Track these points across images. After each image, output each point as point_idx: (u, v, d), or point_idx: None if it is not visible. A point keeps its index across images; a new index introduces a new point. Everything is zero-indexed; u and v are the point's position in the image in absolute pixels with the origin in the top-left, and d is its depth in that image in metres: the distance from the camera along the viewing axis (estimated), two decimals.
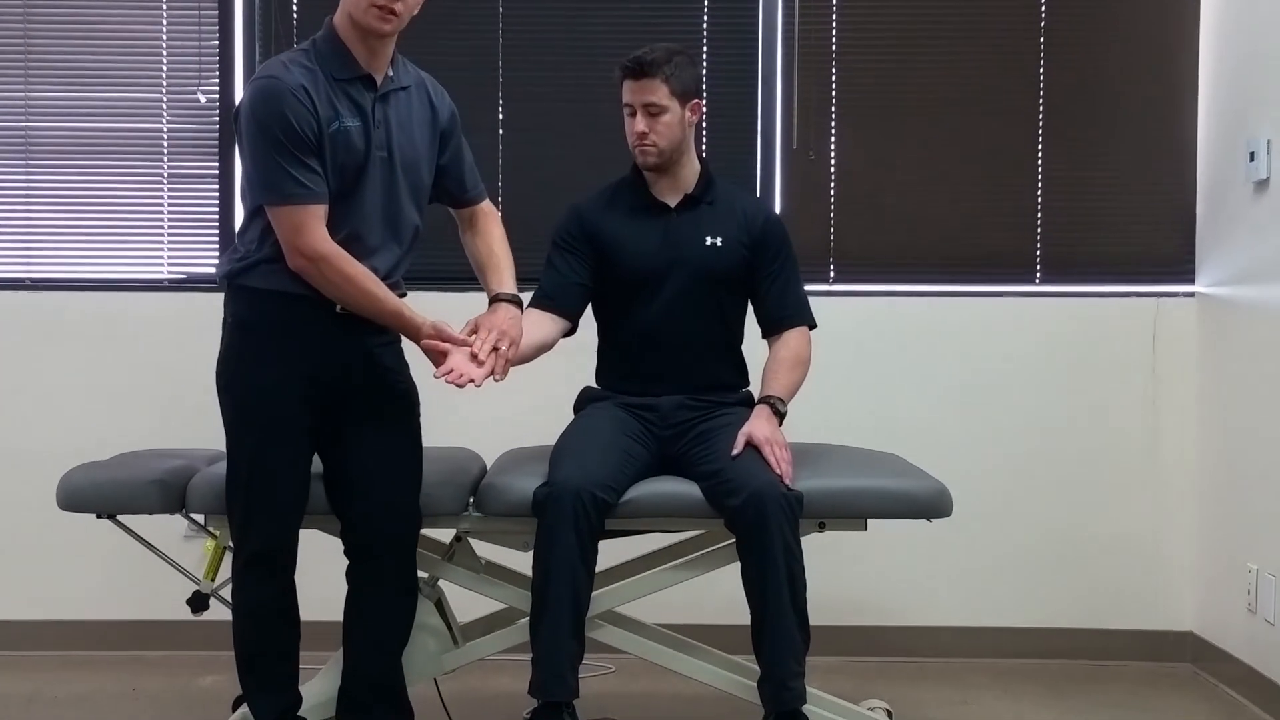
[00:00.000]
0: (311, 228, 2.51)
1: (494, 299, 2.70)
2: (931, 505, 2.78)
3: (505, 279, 2.72)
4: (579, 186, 3.15)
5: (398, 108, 2.63)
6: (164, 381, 3.86)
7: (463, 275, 2.95)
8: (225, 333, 2.65)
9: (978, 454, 3.88)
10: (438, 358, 2.57)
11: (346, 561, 2.71)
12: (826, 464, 2.89)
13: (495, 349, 2.59)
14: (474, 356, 2.55)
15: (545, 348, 2.85)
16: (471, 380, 2.52)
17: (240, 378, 2.60)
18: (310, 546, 2.70)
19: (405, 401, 2.73)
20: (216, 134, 3.96)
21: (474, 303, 2.79)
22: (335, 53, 2.56)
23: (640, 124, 2.86)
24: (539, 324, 2.84)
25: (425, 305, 2.69)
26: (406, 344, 2.71)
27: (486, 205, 2.84)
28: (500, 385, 2.64)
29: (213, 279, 2.73)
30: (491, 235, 2.79)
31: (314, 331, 2.59)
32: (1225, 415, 3.71)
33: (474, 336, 2.59)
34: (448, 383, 2.51)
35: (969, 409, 3.90)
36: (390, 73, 2.62)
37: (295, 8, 3.92)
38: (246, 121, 2.52)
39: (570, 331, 2.94)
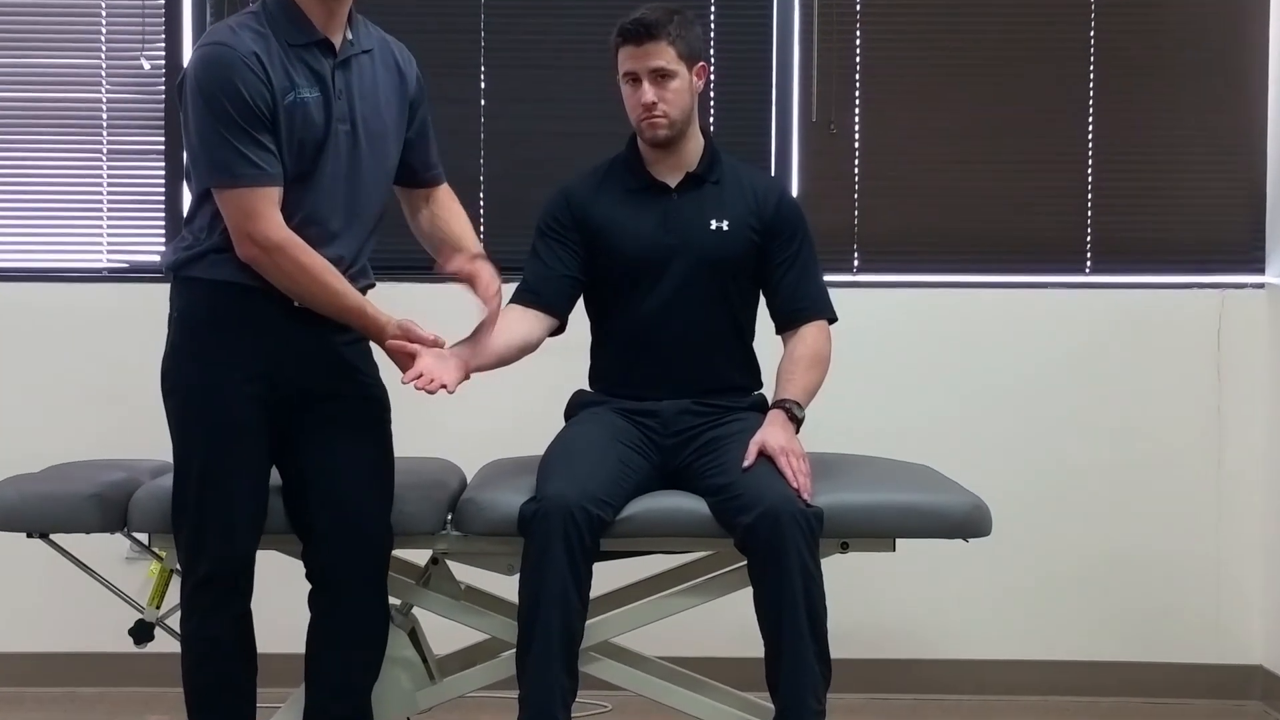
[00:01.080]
0: (264, 212, 2.51)
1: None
2: (967, 523, 2.77)
3: (474, 248, 2.75)
4: (572, 165, 3.15)
5: (360, 75, 2.63)
6: (103, 384, 3.86)
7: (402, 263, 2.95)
8: (171, 329, 2.65)
9: (1019, 465, 3.88)
10: (404, 360, 2.57)
11: (308, 586, 2.71)
12: (849, 476, 2.89)
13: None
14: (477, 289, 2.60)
15: (529, 348, 2.85)
16: (444, 385, 2.52)
17: (188, 380, 2.60)
18: (267, 569, 2.70)
19: (374, 406, 2.73)
20: (162, 105, 3.96)
21: (448, 296, 2.79)
22: (289, 15, 2.56)
23: (648, 93, 2.85)
24: (521, 321, 2.84)
25: (393, 297, 2.68)
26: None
27: (446, 186, 2.85)
28: (483, 388, 2.64)
29: (158, 268, 2.73)
30: (456, 212, 2.81)
31: (271, 327, 2.59)
32: None
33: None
34: (417, 389, 2.51)
35: (1009, 415, 3.90)
36: (349, 35, 2.62)
37: None
38: (192, 94, 2.52)
39: (559, 329, 2.94)
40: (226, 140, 2.48)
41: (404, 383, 2.53)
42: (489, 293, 2.66)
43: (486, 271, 2.66)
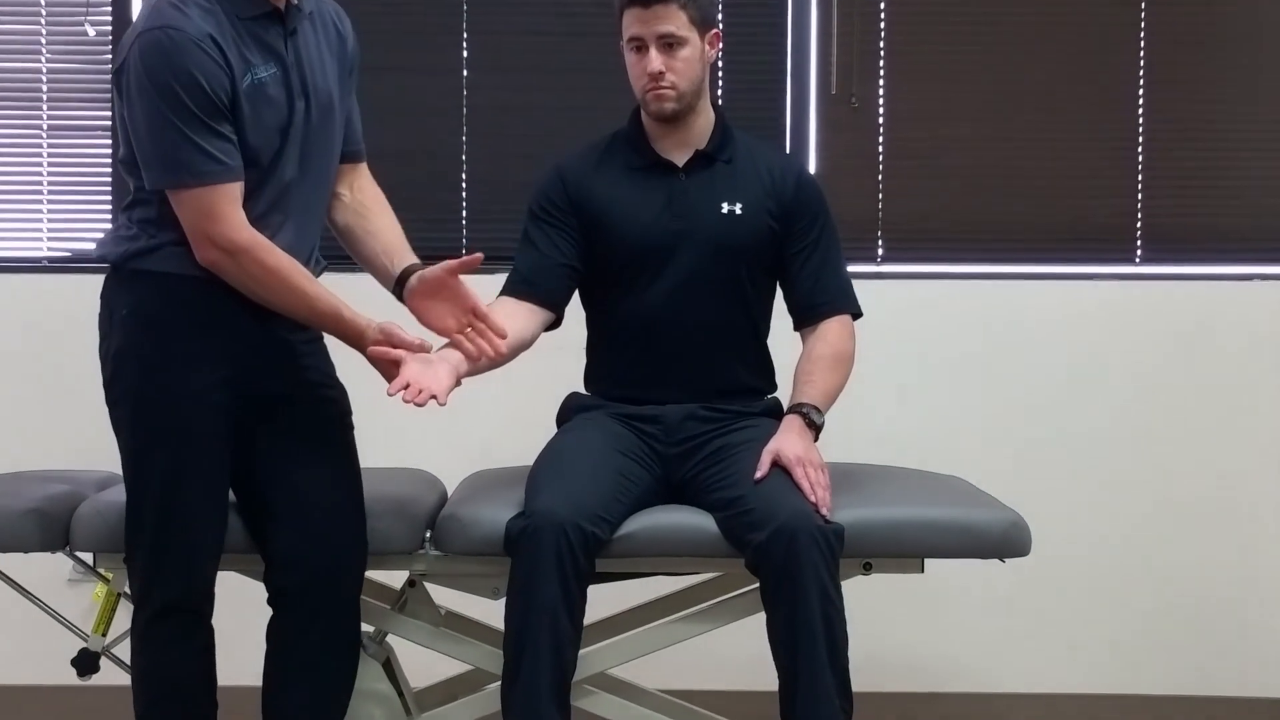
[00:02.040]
0: (226, 212, 2.51)
1: (405, 273, 2.67)
2: (1004, 542, 2.77)
3: (405, 252, 2.72)
4: (567, 142, 3.15)
5: (306, 42, 2.62)
6: (43, 387, 3.85)
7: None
8: (115, 330, 2.63)
9: (1062, 477, 3.87)
10: (387, 368, 2.56)
11: (269, 611, 2.70)
12: (873, 489, 2.89)
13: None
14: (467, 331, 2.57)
15: (523, 345, 2.84)
16: (434, 396, 2.52)
17: (141, 387, 2.59)
18: (222, 592, 2.69)
19: (335, 411, 2.74)
20: (109, 75, 3.93)
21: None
22: None
23: (655, 61, 2.84)
24: (514, 316, 2.84)
25: (341, 288, 2.66)
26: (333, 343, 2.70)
27: (365, 168, 2.83)
28: (465, 391, 2.63)
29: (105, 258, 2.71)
30: (379, 205, 2.78)
31: (235, 326, 2.59)
32: None
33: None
34: (405, 401, 2.50)
35: (1050, 421, 3.90)
36: None
37: None
38: (139, 85, 2.49)
39: (554, 324, 2.94)
40: (184, 136, 2.47)
41: (390, 394, 2.51)
42: (485, 315, 2.63)
43: (416, 361, 2.56)
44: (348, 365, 2.72)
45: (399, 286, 2.68)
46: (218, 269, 2.53)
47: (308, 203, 2.64)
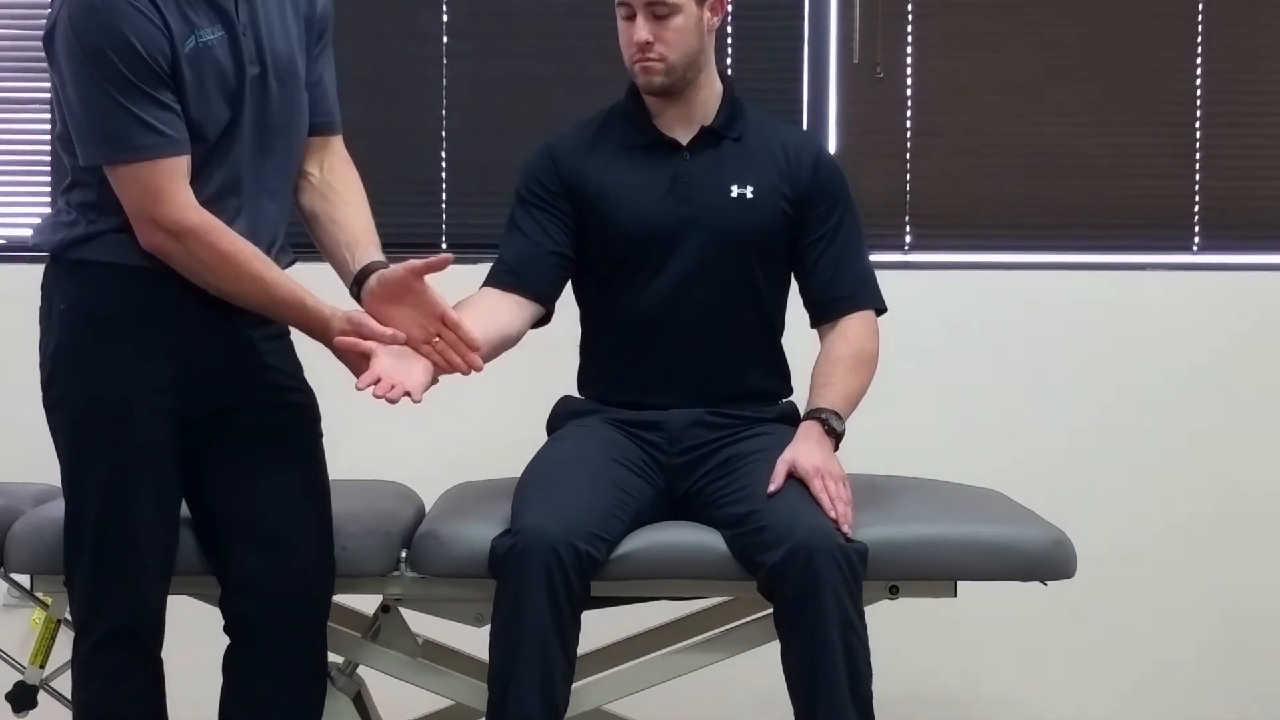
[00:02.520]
0: (172, 190, 2.50)
1: (367, 270, 2.62)
2: (1047, 562, 2.77)
3: (373, 247, 2.67)
4: (558, 118, 3.14)
5: (265, 2, 2.61)
6: None
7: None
8: (51, 327, 2.63)
9: (1110, 490, 3.88)
10: (356, 361, 2.55)
11: (225, 640, 2.70)
12: (900, 504, 2.89)
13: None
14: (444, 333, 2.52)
15: (509, 342, 2.84)
16: (408, 393, 2.51)
17: (82, 391, 2.59)
18: (173, 619, 2.68)
19: (302, 416, 2.73)
20: None
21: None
22: None
23: (642, 30, 2.85)
24: (499, 309, 2.84)
25: (310, 281, 2.65)
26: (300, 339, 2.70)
27: (341, 143, 2.80)
28: (444, 394, 2.63)
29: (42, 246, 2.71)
30: (352, 190, 2.75)
31: (186, 323, 2.58)
32: None
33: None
34: (376, 396, 2.50)
35: (1098, 426, 3.90)
36: None
37: None
38: (69, 51, 2.48)
39: (543, 319, 2.94)
40: (119, 106, 2.46)
41: (359, 388, 2.51)
42: (456, 325, 2.58)
43: (389, 353, 2.53)
44: (314, 365, 2.71)
45: (357, 286, 2.64)
46: (164, 254, 2.53)
47: (267, 185, 2.63)
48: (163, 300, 2.57)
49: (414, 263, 2.57)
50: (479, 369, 2.63)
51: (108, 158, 2.50)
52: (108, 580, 2.58)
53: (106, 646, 2.60)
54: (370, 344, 2.54)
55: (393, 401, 2.49)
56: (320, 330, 2.58)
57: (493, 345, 2.76)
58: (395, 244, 2.80)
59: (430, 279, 2.58)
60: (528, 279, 2.90)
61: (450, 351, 2.60)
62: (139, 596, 2.59)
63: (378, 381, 2.49)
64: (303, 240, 2.79)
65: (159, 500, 2.59)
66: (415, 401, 2.51)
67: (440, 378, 2.63)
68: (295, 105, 2.66)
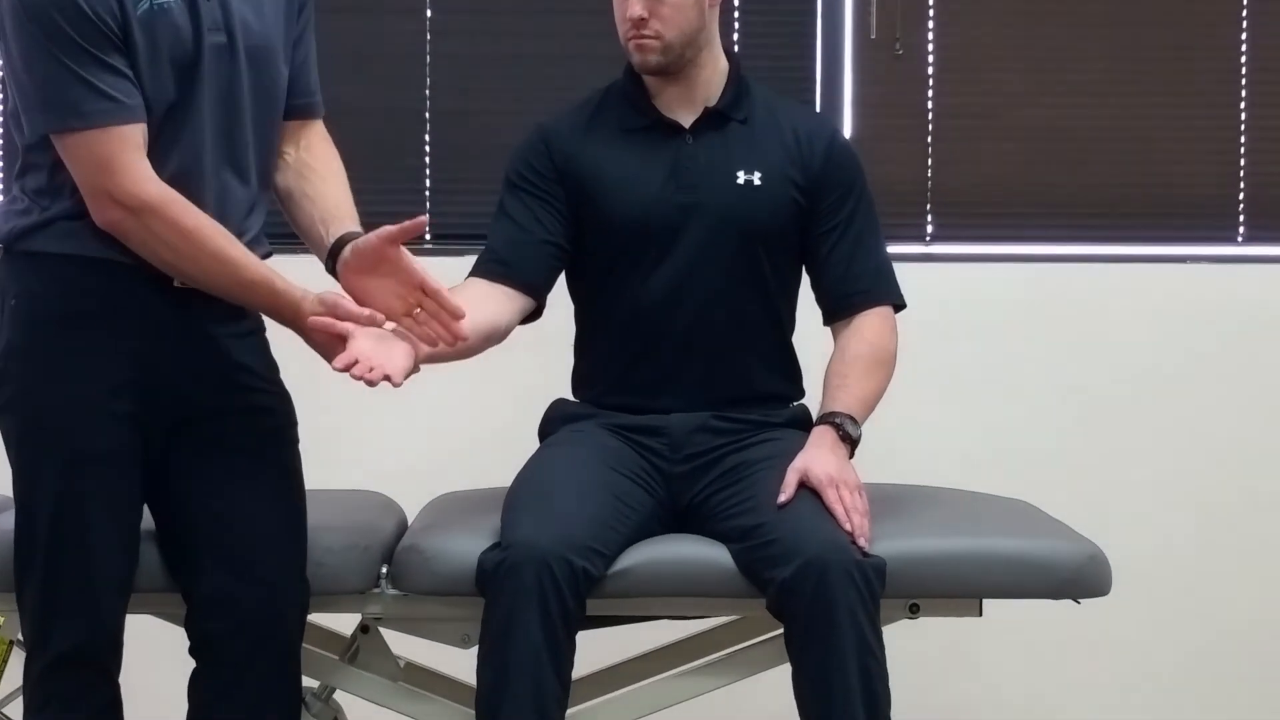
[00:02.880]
0: (127, 161, 2.50)
1: (341, 242, 2.63)
2: (1080, 579, 2.77)
3: (352, 220, 2.68)
4: (551, 99, 3.15)
5: None
6: None
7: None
8: (2, 324, 2.62)
9: (1149, 500, 3.88)
10: (332, 344, 2.55)
11: (190, 663, 2.70)
12: (920, 515, 2.89)
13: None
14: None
15: (496, 336, 2.84)
16: (388, 377, 2.51)
17: (33, 393, 2.59)
18: (134, 639, 2.68)
19: (275, 421, 2.73)
20: None
21: None
22: None
23: (635, 5, 2.86)
24: (487, 301, 2.84)
25: (298, 277, 2.66)
26: (277, 333, 2.70)
27: (322, 126, 2.82)
28: (426, 395, 2.63)
29: None
30: (334, 171, 2.76)
31: (147, 319, 2.58)
32: None
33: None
34: (354, 378, 2.49)
35: (1134, 432, 3.91)
36: None
37: None
38: (13, 15, 2.49)
39: (534, 314, 2.94)
40: (67, 70, 2.47)
41: (336, 368, 2.50)
42: (437, 292, 2.59)
43: (366, 335, 2.54)
44: (286, 365, 2.71)
45: (332, 261, 2.64)
46: (121, 232, 2.52)
47: (235, 165, 2.63)
48: (122, 294, 2.57)
49: (388, 229, 2.57)
50: (464, 339, 2.62)
51: (56, 126, 2.50)
52: (60, 597, 2.58)
53: (60, 668, 2.59)
54: (347, 325, 2.54)
55: (372, 384, 2.48)
56: (291, 313, 2.58)
57: (481, 337, 2.76)
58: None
59: None
60: (517, 269, 2.90)
61: (432, 322, 2.60)
62: (94, 615, 2.59)
63: (355, 363, 2.48)
64: (284, 233, 2.79)
65: (116, 511, 2.59)
66: (395, 385, 2.50)
67: (422, 366, 2.62)
68: (270, 83, 2.66)
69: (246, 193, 2.66)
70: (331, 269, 2.66)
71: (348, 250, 2.62)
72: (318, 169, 2.76)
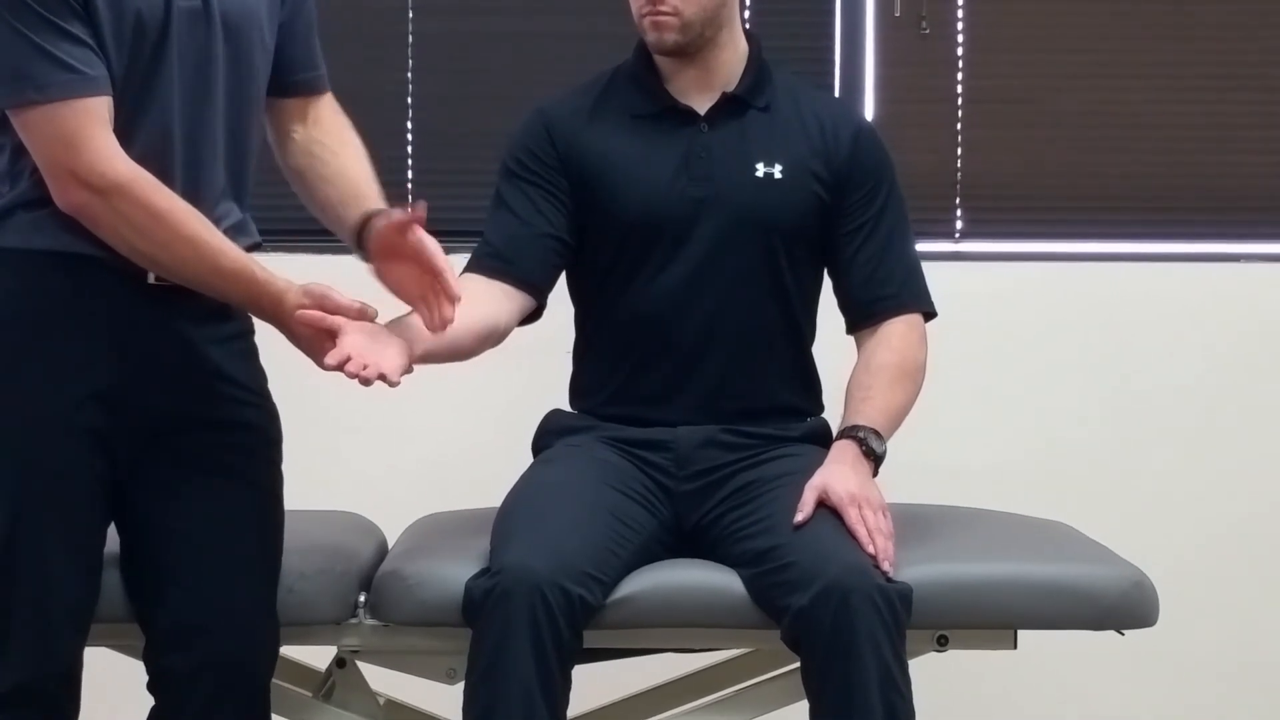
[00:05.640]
0: (92, 136, 2.49)
1: (364, 220, 2.65)
2: (1123, 607, 2.77)
3: (376, 197, 2.70)
4: (548, 82, 3.15)
5: None
6: None
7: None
8: None
9: (1200, 522, 3.89)
10: (320, 339, 2.55)
11: (149, 700, 2.70)
12: (949, 538, 2.90)
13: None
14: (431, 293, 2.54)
15: (494, 337, 2.85)
16: (383, 376, 2.51)
17: None
18: (91, 674, 2.68)
19: (257, 438, 2.73)
20: None
21: (361, 268, 2.77)
22: None
23: None
24: (483, 299, 2.84)
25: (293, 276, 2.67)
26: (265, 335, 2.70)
27: (331, 100, 2.83)
28: (409, 406, 2.63)
29: None
30: (349, 143, 2.77)
31: (115, 321, 2.58)
32: None
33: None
34: (349, 376, 2.49)
35: (1184, 449, 3.91)
36: None
37: None
38: None
39: (534, 314, 2.95)
40: (23, 38, 2.46)
41: (328, 365, 2.50)
42: (440, 272, 2.61)
43: (358, 330, 2.56)
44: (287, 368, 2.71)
45: (359, 246, 2.66)
46: (87, 216, 2.52)
47: (211, 143, 2.63)
48: (90, 291, 2.57)
49: (395, 218, 2.59)
50: (449, 319, 2.61)
51: (12, 99, 2.50)
52: (11, 629, 2.57)
53: (10, 706, 2.58)
54: (338, 319, 2.54)
55: (366, 383, 2.48)
56: (274, 307, 2.58)
57: (477, 337, 2.77)
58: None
59: None
60: (517, 264, 2.91)
61: (433, 303, 2.62)
62: (48, 648, 2.59)
63: (348, 360, 2.48)
64: (283, 230, 2.79)
65: (75, 536, 2.59)
66: (392, 384, 2.51)
67: (415, 367, 2.61)
68: (245, 52, 2.66)
69: (223, 174, 2.66)
70: (361, 255, 2.68)
71: (371, 233, 2.64)
72: (328, 144, 2.77)
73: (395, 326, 2.64)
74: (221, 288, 2.59)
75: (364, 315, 2.56)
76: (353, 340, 2.51)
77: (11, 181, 2.58)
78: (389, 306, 2.66)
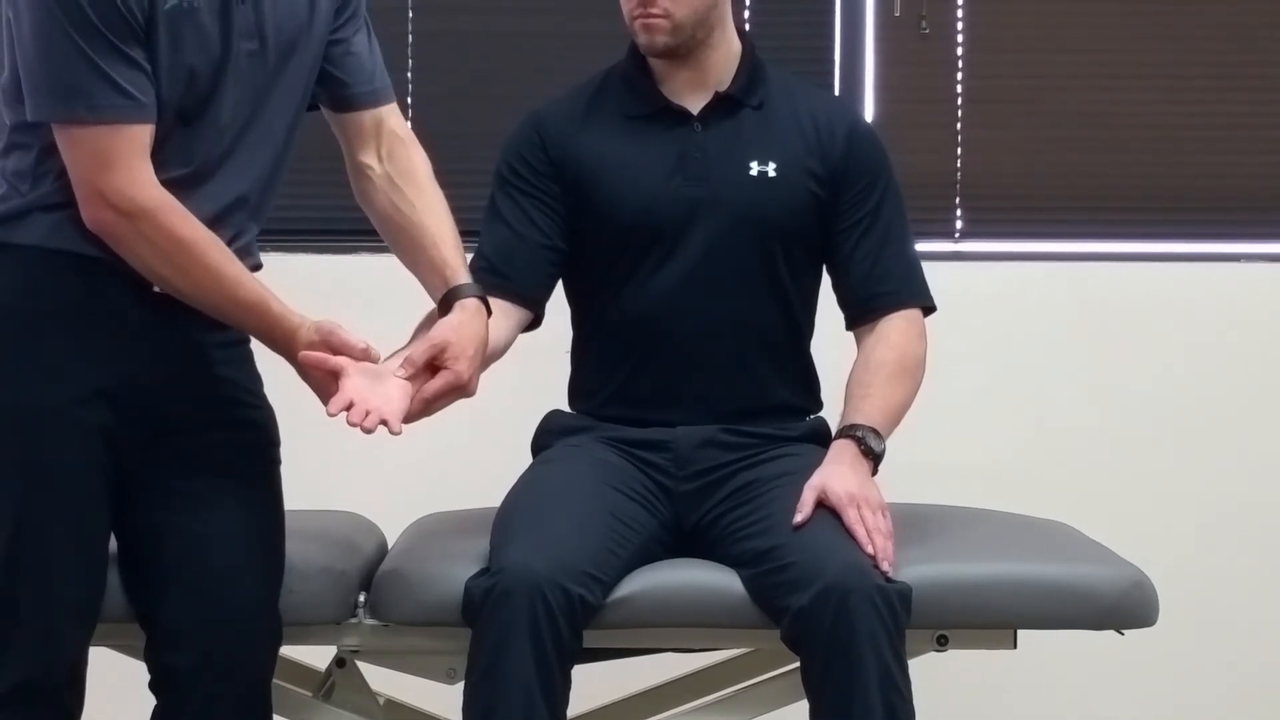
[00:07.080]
0: (129, 163, 2.50)
1: (449, 296, 2.69)
2: (1123, 607, 2.78)
3: (458, 258, 2.73)
4: (545, 84, 3.15)
5: None
6: None
7: (344, 227, 2.93)
8: None
9: (1201, 522, 3.89)
10: (324, 381, 2.57)
11: (151, 700, 2.70)
12: (949, 538, 2.90)
13: (435, 367, 2.60)
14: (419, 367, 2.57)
15: (496, 353, 2.85)
16: (384, 422, 2.53)
17: None
18: (92, 674, 2.68)
19: (256, 437, 2.74)
20: None
21: (363, 270, 2.78)
22: None
23: None
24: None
25: (284, 274, 2.67)
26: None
27: (397, 116, 2.84)
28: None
29: None
30: (421, 178, 2.78)
31: (122, 322, 2.59)
32: None
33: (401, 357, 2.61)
34: (351, 424, 2.51)
35: (1187, 449, 3.91)
36: None
37: None
38: None
39: (534, 323, 2.96)
40: (83, 56, 2.46)
41: (331, 414, 2.52)
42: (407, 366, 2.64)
43: (362, 373, 2.57)
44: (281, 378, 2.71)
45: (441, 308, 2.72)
46: (110, 235, 2.53)
47: (245, 171, 2.64)
48: (98, 292, 2.58)
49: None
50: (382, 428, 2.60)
51: (63, 115, 2.51)
52: (15, 626, 2.58)
53: (13, 704, 2.59)
54: (341, 360, 2.55)
55: (368, 431, 2.51)
56: (285, 341, 2.59)
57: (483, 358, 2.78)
58: (348, 231, 2.81)
59: (401, 282, 2.62)
60: (514, 280, 2.92)
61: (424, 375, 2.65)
62: (53, 646, 2.59)
63: (349, 406, 2.51)
64: (284, 230, 2.78)
65: (80, 532, 2.59)
66: (394, 433, 2.53)
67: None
68: (293, 83, 2.67)
69: (257, 198, 2.67)
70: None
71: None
72: (410, 187, 2.79)
73: (392, 363, 2.63)
74: (237, 317, 2.60)
75: (366, 356, 2.58)
76: (354, 384, 2.53)
77: (34, 181, 2.58)
78: (410, 309, 2.70)
